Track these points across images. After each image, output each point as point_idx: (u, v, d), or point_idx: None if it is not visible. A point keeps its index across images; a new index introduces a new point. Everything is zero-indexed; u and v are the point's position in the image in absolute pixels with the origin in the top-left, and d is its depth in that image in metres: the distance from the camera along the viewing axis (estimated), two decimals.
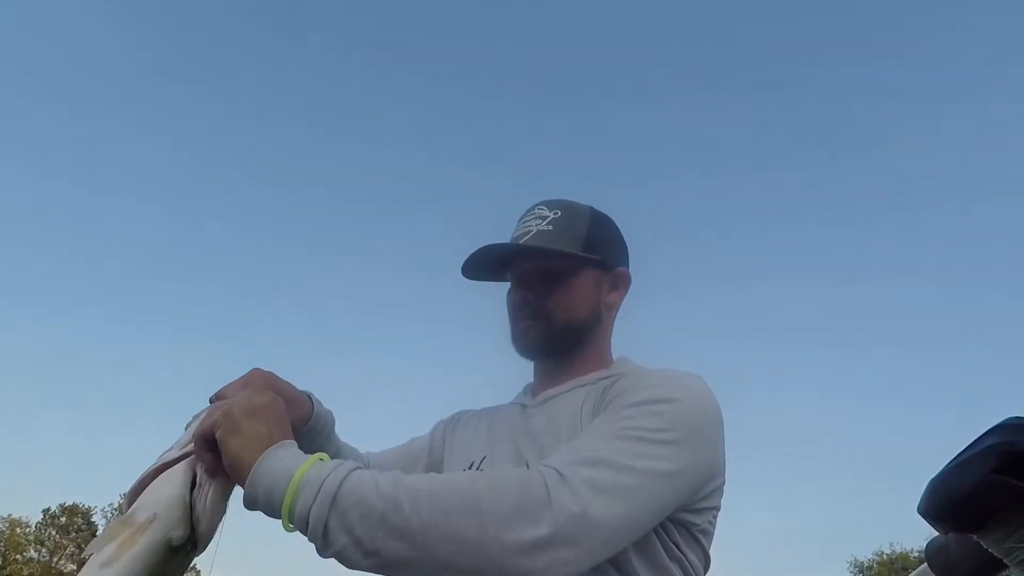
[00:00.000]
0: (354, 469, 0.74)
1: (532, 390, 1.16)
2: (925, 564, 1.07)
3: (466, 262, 1.13)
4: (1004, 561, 0.91)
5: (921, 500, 0.97)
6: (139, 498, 0.72)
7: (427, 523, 0.68)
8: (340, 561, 0.71)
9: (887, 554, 30.83)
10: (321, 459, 0.75)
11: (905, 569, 29.38)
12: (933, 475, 0.98)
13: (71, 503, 37.47)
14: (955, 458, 0.96)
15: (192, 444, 0.76)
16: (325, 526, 0.69)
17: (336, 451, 1.13)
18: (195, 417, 0.84)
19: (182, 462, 0.75)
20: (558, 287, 1.07)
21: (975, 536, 0.92)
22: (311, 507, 0.70)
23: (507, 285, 1.18)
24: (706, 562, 0.96)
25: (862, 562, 31.63)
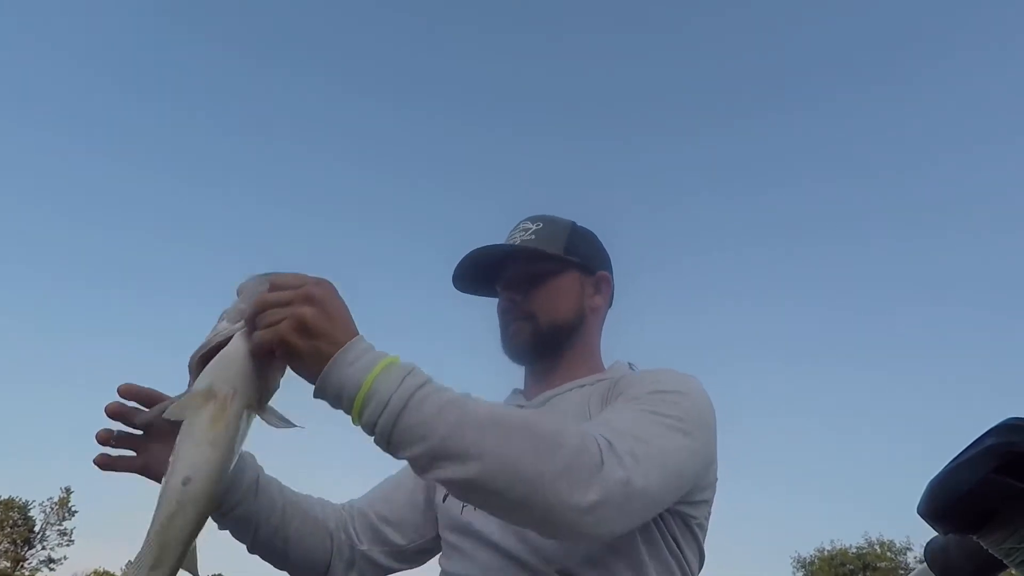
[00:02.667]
0: (422, 385, 0.73)
1: (525, 394, 1.17)
2: (925, 564, 1.07)
3: (456, 273, 1.17)
4: (1004, 562, 0.91)
5: (921, 501, 0.97)
6: (210, 372, 0.73)
7: (487, 455, 0.70)
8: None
9: (827, 550, 31.90)
10: (391, 364, 0.74)
11: (843, 564, 30.54)
12: (932, 476, 0.98)
13: (7, 496, 35.74)
14: (955, 459, 0.95)
15: (243, 321, 0.76)
16: (388, 441, 0.72)
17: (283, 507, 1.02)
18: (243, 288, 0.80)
19: (238, 335, 0.74)
20: (541, 288, 1.13)
21: (975, 537, 0.92)
22: (376, 421, 0.71)
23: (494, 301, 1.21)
24: (701, 558, 0.99)
25: (804, 558, 32.64)
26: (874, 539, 31.52)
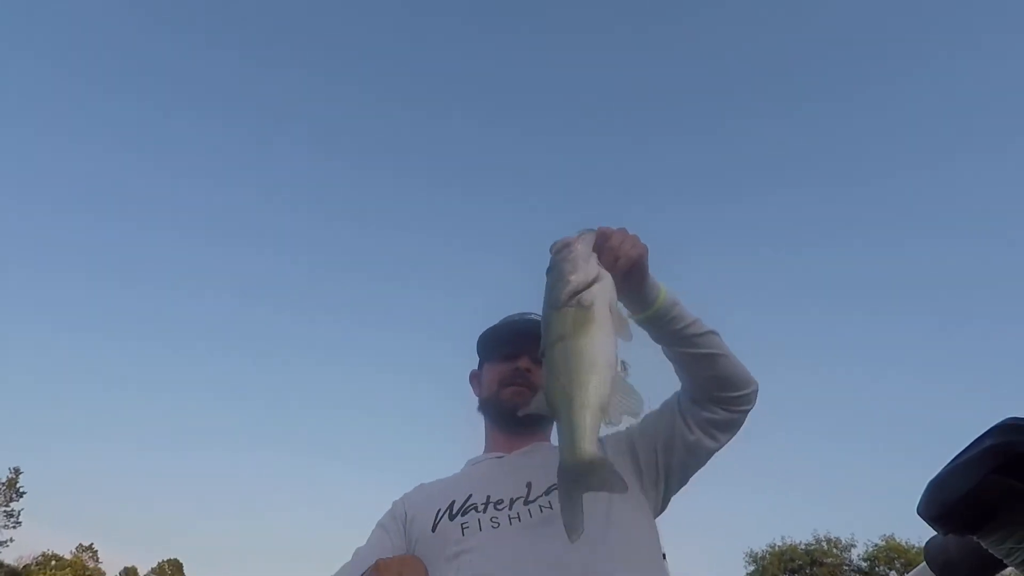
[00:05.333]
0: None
1: (500, 449, 1.31)
2: (924, 564, 1.08)
3: (495, 333, 1.38)
4: (1004, 561, 0.91)
5: (920, 501, 0.97)
6: (601, 295, 0.98)
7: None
8: None
9: (778, 546, 32.70)
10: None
11: (792, 559, 31.39)
12: (932, 476, 0.98)
13: None
14: (954, 459, 0.96)
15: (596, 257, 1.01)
16: (671, 315, 1.14)
17: None
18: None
19: (602, 269, 1.01)
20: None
21: (975, 537, 0.92)
22: (671, 302, 1.14)
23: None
24: None
25: (756, 553, 33.42)
26: (822, 536, 32.46)
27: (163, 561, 50.43)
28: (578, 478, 0.91)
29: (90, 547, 44.70)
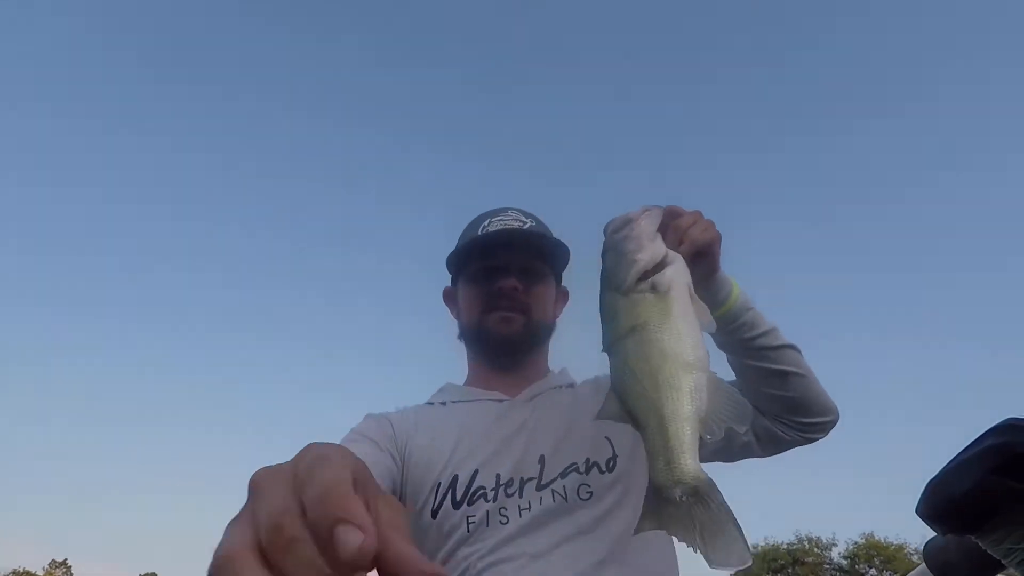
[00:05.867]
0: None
1: (500, 389, 1.14)
2: (923, 564, 1.08)
3: (472, 243, 1.13)
4: (1003, 562, 0.91)
5: (920, 501, 0.97)
6: (676, 279, 0.80)
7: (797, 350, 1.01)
8: None
9: (761, 547, 33.00)
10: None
11: (775, 559, 31.71)
12: (931, 476, 0.98)
13: None
14: (954, 459, 0.96)
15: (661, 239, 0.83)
16: (743, 320, 0.97)
17: None
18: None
19: (670, 251, 0.83)
20: (540, 286, 1.14)
21: (973, 537, 0.93)
22: (743, 304, 0.97)
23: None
24: None
25: None
26: (803, 535, 32.86)
27: None
28: (676, 506, 0.70)
29: (64, 563, 43.64)
